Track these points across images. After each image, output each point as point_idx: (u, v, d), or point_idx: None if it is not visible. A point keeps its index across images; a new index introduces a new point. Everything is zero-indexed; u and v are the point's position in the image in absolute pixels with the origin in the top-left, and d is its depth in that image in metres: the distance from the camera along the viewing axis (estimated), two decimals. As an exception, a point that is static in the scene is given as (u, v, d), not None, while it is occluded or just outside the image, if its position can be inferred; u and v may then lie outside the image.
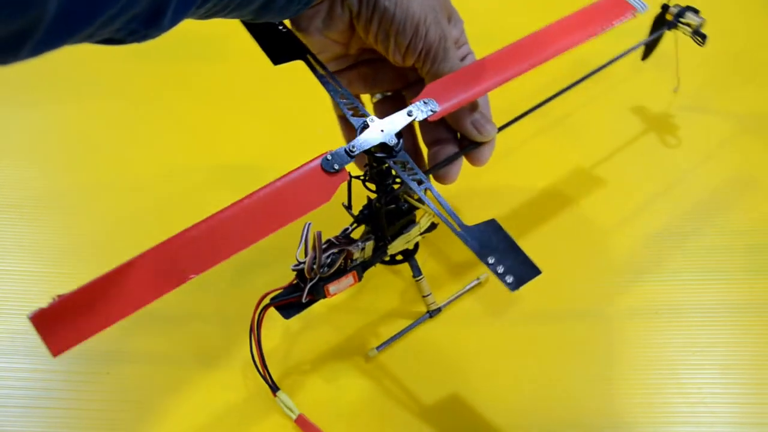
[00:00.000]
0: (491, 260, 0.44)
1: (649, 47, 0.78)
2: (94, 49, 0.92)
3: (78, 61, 0.88)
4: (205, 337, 0.62)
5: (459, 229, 0.46)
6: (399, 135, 0.50)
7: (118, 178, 0.76)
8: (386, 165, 0.51)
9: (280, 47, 0.54)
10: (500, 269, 0.44)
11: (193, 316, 0.63)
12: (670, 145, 0.77)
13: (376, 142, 0.49)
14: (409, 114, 0.51)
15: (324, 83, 0.53)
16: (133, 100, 0.86)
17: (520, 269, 0.44)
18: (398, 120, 0.50)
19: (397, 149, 0.49)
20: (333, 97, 0.52)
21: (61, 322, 0.38)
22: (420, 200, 0.55)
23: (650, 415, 0.56)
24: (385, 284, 0.66)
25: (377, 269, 0.65)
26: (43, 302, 0.38)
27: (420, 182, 0.48)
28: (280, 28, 0.55)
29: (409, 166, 0.49)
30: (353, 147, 0.48)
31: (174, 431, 0.56)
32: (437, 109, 0.52)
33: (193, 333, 0.62)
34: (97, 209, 0.73)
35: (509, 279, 0.44)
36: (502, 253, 0.45)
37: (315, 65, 0.53)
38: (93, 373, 0.59)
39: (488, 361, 0.60)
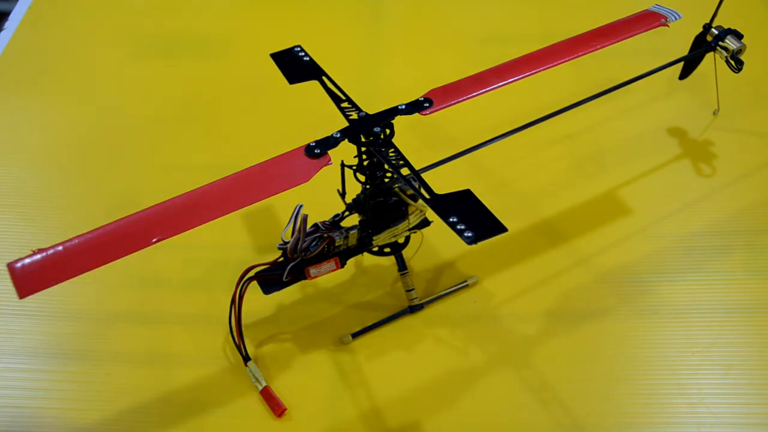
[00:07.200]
0: (453, 219, 0.43)
1: (689, 67, 0.75)
2: (95, 49, 0.94)
3: (78, 61, 0.92)
4: (206, 339, 0.62)
5: (428, 197, 0.46)
6: (388, 126, 0.52)
7: (118, 178, 0.77)
8: (376, 159, 0.53)
9: (298, 71, 0.58)
10: (461, 226, 0.43)
11: (194, 317, 0.64)
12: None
13: (363, 131, 0.51)
14: (400, 108, 0.53)
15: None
16: (134, 100, 0.87)
17: (482, 225, 0.43)
18: (388, 112, 0.53)
19: (381, 139, 0.51)
20: (336, 105, 0.55)
21: (32, 271, 0.41)
22: (412, 196, 0.56)
23: (650, 415, 0.56)
24: (381, 275, 0.66)
25: (375, 259, 0.66)
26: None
27: (399, 163, 0.49)
28: (304, 58, 0.59)
29: (392, 150, 0.50)
30: (338, 134, 0.51)
31: (174, 431, 0.57)
32: (431, 106, 0.54)
33: (194, 334, 0.63)
34: (97, 209, 0.74)
35: (468, 234, 0.42)
36: (467, 214, 0.43)
37: (329, 85, 0.56)
38: (93, 373, 0.60)
39: (475, 361, 0.59)
